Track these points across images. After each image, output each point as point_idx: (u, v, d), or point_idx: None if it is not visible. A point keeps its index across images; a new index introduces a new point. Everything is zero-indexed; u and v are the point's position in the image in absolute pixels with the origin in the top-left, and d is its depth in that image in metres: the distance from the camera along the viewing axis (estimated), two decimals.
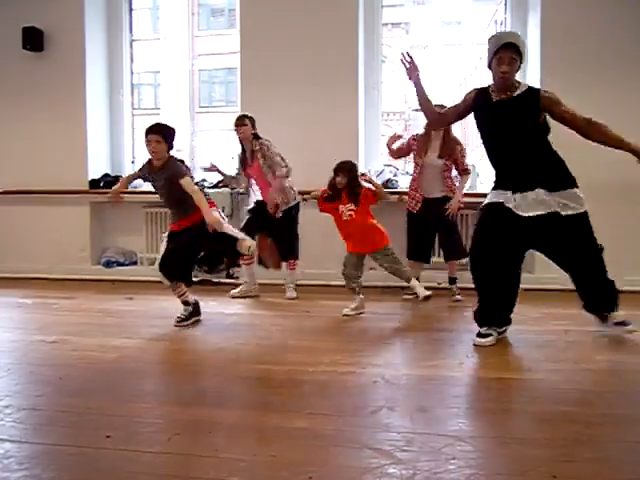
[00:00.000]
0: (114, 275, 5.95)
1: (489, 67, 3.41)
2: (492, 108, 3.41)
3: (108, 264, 6.09)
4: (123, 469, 1.96)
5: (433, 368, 3.07)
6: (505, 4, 5.88)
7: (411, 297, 4.73)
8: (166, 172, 3.91)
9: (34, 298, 5.03)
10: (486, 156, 3.64)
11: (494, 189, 3.52)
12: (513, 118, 3.34)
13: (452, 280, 4.90)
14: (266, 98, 4.99)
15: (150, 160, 4.00)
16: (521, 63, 3.37)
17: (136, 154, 6.55)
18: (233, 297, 4.98)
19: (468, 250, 4.76)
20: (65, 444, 2.13)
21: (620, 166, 5.05)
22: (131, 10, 6.55)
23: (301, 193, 5.16)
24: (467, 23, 5.83)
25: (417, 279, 4.86)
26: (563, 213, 3.29)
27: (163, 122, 4.02)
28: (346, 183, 4.30)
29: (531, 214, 3.31)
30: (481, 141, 3.59)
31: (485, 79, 3.61)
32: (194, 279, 5.63)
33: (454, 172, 4.86)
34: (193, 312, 4.03)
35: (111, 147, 6.49)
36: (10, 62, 6.17)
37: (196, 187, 3.95)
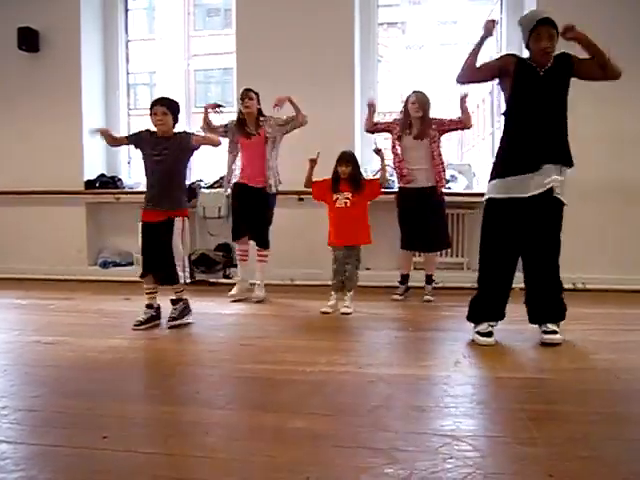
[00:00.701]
0: (110, 276, 5.95)
1: (527, 47, 3.43)
2: (540, 81, 3.37)
3: (104, 265, 6.08)
4: (120, 470, 1.95)
5: (429, 367, 3.07)
6: (501, 4, 5.90)
7: (400, 298, 4.77)
8: (176, 141, 3.88)
9: (30, 299, 5.03)
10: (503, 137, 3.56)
11: (501, 176, 3.44)
12: (556, 88, 3.36)
13: (429, 279, 4.91)
14: (263, 98, 4.97)
15: (152, 131, 3.95)
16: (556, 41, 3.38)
17: (132, 155, 6.55)
18: (234, 301, 4.88)
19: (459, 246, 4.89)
20: (62, 445, 2.12)
21: (619, 165, 5.12)
22: (127, 10, 6.56)
23: (297, 193, 5.17)
24: (463, 23, 5.83)
25: (407, 276, 4.92)
26: (554, 194, 3.32)
27: (166, 96, 3.99)
28: (349, 172, 4.32)
29: (535, 193, 3.33)
30: (507, 116, 3.51)
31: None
32: (188, 280, 5.68)
33: (447, 164, 4.93)
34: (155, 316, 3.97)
35: (107, 148, 6.46)
36: (5, 63, 6.18)
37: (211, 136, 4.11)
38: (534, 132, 3.36)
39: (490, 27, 3.51)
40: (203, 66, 17.49)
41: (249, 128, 4.88)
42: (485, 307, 3.54)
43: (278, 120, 4.83)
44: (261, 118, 4.86)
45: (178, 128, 4.02)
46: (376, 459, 1.97)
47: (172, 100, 3.95)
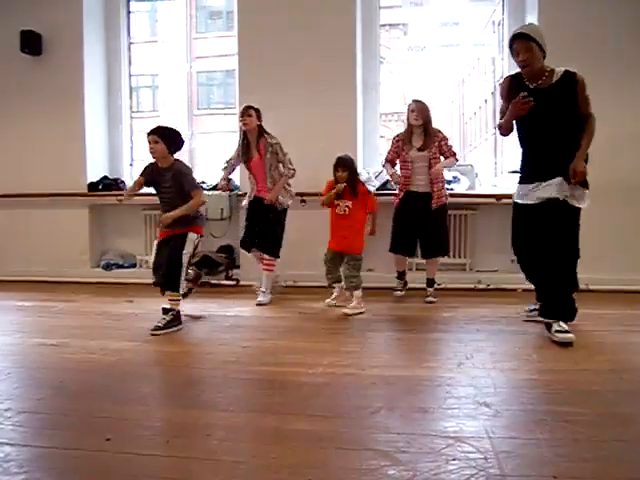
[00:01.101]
0: (113, 278, 5.96)
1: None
2: (532, 94, 3.45)
3: (108, 267, 6.09)
4: (123, 472, 1.96)
5: (432, 369, 3.07)
6: (503, 5, 5.90)
7: (401, 293, 4.93)
8: (175, 174, 3.96)
9: (33, 301, 5.03)
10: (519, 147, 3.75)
11: (520, 182, 3.67)
12: (553, 106, 3.43)
13: (430, 282, 4.91)
14: (264, 100, 4.98)
15: (155, 162, 4.05)
16: (543, 51, 3.45)
17: (135, 157, 6.56)
18: (258, 305, 4.83)
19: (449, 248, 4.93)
20: (65, 447, 2.13)
21: (621, 165, 5.11)
22: (129, 13, 6.56)
23: (299, 194, 5.17)
24: (465, 24, 5.83)
25: (404, 272, 4.97)
26: (561, 198, 3.40)
27: (165, 125, 4.06)
28: (347, 177, 4.35)
29: (539, 199, 3.46)
30: (516, 127, 3.68)
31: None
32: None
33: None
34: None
35: (109, 150, 6.50)
36: (8, 66, 6.18)
37: (198, 198, 4.01)
38: (530, 148, 3.61)
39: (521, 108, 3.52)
40: (205, 68, 17.51)
41: (249, 148, 4.90)
42: (554, 307, 3.57)
43: (276, 147, 4.80)
44: (267, 138, 4.82)
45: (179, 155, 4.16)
46: (379, 461, 1.97)
47: (166, 127, 4.03)
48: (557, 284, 3.51)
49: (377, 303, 4.60)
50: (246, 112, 4.81)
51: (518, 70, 3.59)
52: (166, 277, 3.92)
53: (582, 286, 3.73)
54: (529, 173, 3.60)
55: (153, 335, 3.77)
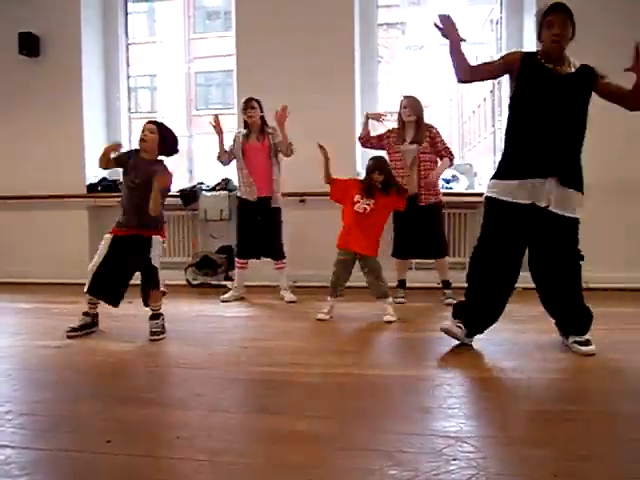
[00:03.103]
0: None
1: (539, 38, 3.21)
2: (549, 79, 3.13)
3: None
4: (123, 474, 1.96)
5: (431, 368, 3.07)
6: (501, 4, 5.90)
7: (404, 300, 4.78)
8: (153, 167, 3.75)
9: (34, 303, 5.04)
10: (508, 133, 3.29)
11: (501, 178, 3.26)
12: (571, 97, 3.12)
13: (445, 284, 4.83)
14: (263, 100, 4.98)
15: (138, 151, 3.84)
16: (573, 35, 3.17)
17: None
18: (223, 301, 4.92)
19: (449, 249, 4.81)
20: (66, 449, 2.13)
21: (619, 164, 5.11)
22: (127, 14, 6.56)
23: (298, 195, 5.17)
24: (462, 23, 5.82)
25: (404, 282, 4.89)
26: (555, 211, 3.13)
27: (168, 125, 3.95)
28: (383, 179, 4.24)
29: (528, 202, 3.14)
30: (511, 112, 3.29)
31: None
32: (194, 282, 5.69)
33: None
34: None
35: None
36: (6, 68, 6.18)
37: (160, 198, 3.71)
38: (538, 138, 3.14)
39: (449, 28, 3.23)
40: (204, 69, 17.51)
41: (254, 136, 4.89)
42: (475, 323, 3.40)
43: (275, 136, 4.83)
44: (268, 129, 4.86)
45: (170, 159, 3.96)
46: (379, 461, 1.97)
47: (167, 127, 3.91)
48: (574, 299, 3.30)
49: (376, 303, 4.59)
50: (249, 104, 4.82)
51: (531, 50, 3.31)
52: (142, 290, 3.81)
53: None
54: (525, 165, 3.16)
55: (155, 341, 3.72)
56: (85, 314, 3.88)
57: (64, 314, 4.60)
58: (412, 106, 4.73)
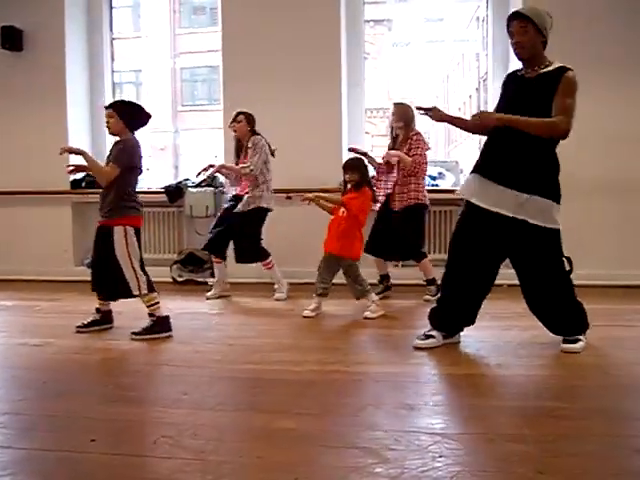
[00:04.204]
0: None
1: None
2: (515, 82, 3.21)
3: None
4: (108, 473, 1.94)
5: (418, 366, 3.08)
6: (487, 1, 5.91)
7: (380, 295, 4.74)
8: (119, 144, 3.70)
9: (16, 300, 4.98)
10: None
11: (473, 172, 3.28)
12: (531, 99, 3.08)
13: (430, 282, 4.81)
14: (249, 96, 4.96)
15: None
16: (544, 37, 3.10)
17: None
18: (208, 299, 4.88)
19: (421, 249, 4.79)
20: (49, 449, 2.10)
21: (615, 163, 5.15)
22: (111, 8, 6.49)
23: (285, 191, 5.15)
24: (449, 20, 5.85)
25: (385, 276, 4.91)
26: (531, 221, 3.07)
27: (127, 100, 3.90)
28: (355, 179, 4.22)
29: (498, 210, 3.10)
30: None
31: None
32: (179, 279, 5.66)
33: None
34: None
35: (92, 146, 6.42)
36: None
37: (109, 169, 3.62)
38: (497, 139, 3.17)
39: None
40: (189, 64, 17.42)
41: (240, 151, 4.90)
42: (445, 319, 3.40)
43: (257, 150, 4.74)
44: (249, 145, 4.78)
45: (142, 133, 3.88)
46: (366, 458, 1.96)
47: (126, 102, 3.82)
48: (559, 306, 3.24)
49: (362, 300, 4.59)
50: (235, 118, 4.82)
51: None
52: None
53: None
54: (488, 165, 3.20)
55: (132, 339, 3.63)
56: (96, 310, 3.86)
57: (47, 312, 4.57)
58: (399, 112, 4.77)
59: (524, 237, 3.13)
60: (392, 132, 4.89)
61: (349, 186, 4.24)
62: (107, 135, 6.40)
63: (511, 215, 3.08)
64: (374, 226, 4.83)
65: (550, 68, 3.11)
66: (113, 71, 6.59)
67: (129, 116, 3.72)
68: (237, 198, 4.88)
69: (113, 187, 3.63)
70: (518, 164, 3.10)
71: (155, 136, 11.37)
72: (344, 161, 4.42)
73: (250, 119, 4.82)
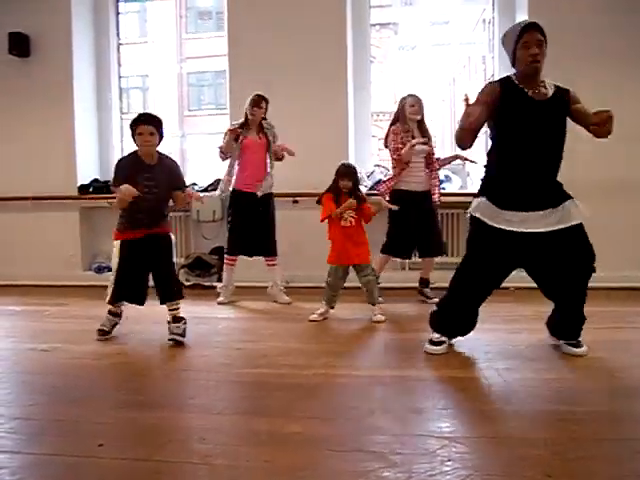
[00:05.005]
0: (105, 281, 5.86)
1: (513, 64, 3.15)
2: (529, 105, 3.05)
3: (99, 270, 6.05)
4: (116, 478, 1.94)
5: (424, 369, 3.07)
6: (493, 4, 5.91)
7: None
8: (167, 168, 3.67)
9: (24, 305, 5.00)
10: (493, 159, 3.22)
11: (487, 197, 3.16)
12: (552, 122, 3.05)
13: (426, 282, 4.85)
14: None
15: (136, 154, 3.62)
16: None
17: None
18: (220, 304, 4.89)
19: (445, 249, 4.81)
20: (58, 454, 2.11)
21: (617, 164, 5.13)
22: (118, 14, 6.53)
23: (291, 195, 5.16)
24: (455, 23, 5.84)
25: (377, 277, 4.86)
26: (574, 223, 3.06)
27: (153, 113, 3.71)
28: (351, 187, 4.20)
29: (531, 230, 3.06)
30: (495, 139, 3.21)
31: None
32: (186, 283, 5.67)
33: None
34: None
35: (100, 152, 6.47)
36: None
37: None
38: (526, 167, 3.07)
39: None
40: (196, 69, 17.47)
41: (253, 132, 4.83)
42: (451, 324, 3.40)
43: (274, 132, 4.82)
44: (264, 124, 4.82)
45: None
46: (374, 462, 1.96)
47: (156, 117, 3.64)
48: (581, 307, 3.24)
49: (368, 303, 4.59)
50: (259, 103, 4.76)
51: (504, 76, 3.23)
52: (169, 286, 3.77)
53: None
54: (518, 196, 3.08)
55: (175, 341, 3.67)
56: (113, 314, 3.86)
57: (55, 316, 4.58)
58: (421, 104, 4.70)
59: (549, 243, 3.09)
60: (405, 125, 4.69)
61: (344, 192, 4.17)
62: (114, 141, 6.50)
63: (552, 229, 3.05)
64: (400, 227, 4.66)
65: (553, 89, 3.10)
66: (120, 76, 6.62)
67: (162, 133, 3.68)
68: (249, 195, 4.81)
69: (168, 200, 3.77)
70: (547, 184, 3.11)
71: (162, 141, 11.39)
72: (337, 167, 4.27)
73: (267, 105, 4.83)
